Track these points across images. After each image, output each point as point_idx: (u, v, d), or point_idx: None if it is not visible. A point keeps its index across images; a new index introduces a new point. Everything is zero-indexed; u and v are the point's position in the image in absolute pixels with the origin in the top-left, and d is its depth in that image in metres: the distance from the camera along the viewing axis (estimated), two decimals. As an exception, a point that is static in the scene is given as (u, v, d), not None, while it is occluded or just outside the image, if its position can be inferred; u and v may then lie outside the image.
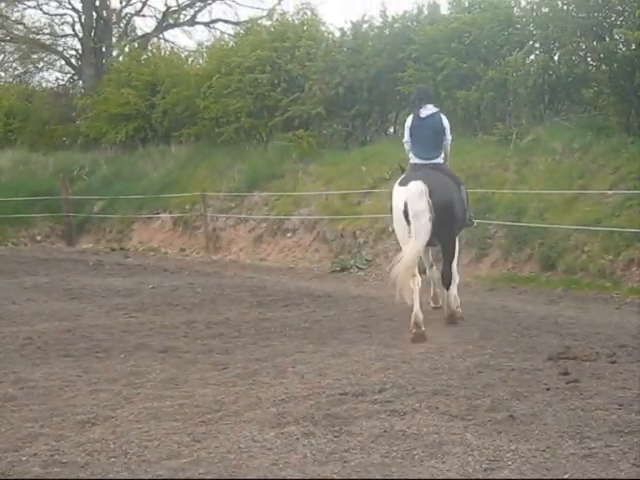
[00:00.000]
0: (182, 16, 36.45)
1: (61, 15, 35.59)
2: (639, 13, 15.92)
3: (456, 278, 11.31)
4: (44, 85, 36.56)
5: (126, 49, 32.07)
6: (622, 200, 14.68)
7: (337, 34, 23.75)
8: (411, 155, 11.46)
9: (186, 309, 13.08)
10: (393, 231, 12.11)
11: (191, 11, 36.28)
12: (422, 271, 11.88)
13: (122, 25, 36.11)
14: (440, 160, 11.39)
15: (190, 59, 29.98)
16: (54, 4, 35.40)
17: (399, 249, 11.82)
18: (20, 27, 35.60)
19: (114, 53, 33.54)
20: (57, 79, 36.95)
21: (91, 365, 9.20)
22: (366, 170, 19.68)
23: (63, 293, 15.08)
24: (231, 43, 27.46)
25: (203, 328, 11.31)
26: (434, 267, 11.84)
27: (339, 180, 20.28)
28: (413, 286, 10.27)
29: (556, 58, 18.29)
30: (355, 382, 7.93)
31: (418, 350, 9.30)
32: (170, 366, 9.02)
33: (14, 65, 37.35)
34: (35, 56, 36.37)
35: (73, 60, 35.62)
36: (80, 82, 34.62)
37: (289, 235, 20.34)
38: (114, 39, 34.76)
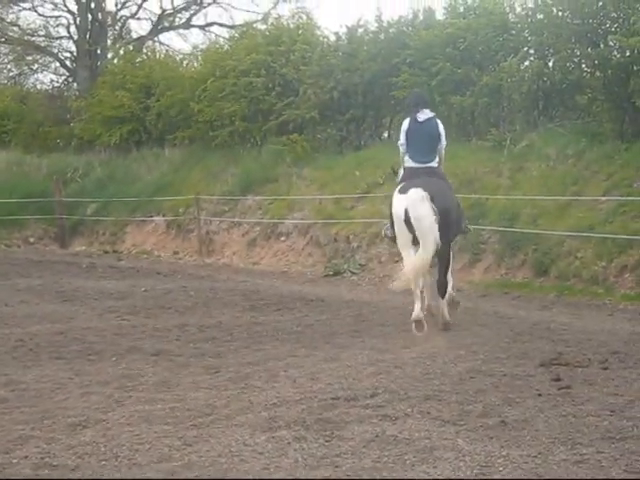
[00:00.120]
0: (177, 19, 36.52)
1: (56, 17, 35.62)
2: (634, 20, 15.95)
3: (450, 280, 11.38)
4: (39, 87, 36.58)
5: (121, 52, 32.03)
6: (615, 206, 14.70)
7: (332, 38, 23.79)
8: (406, 158, 11.54)
9: (179, 312, 13.06)
10: (388, 237, 12.26)
11: (186, 14, 36.35)
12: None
13: (117, 28, 36.13)
14: (435, 164, 11.50)
15: (185, 62, 29.98)
16: (49, 6, 35.42)
17: (393, 253, 11.94)
18: (15, 29, 35.57)
19: (109, 55, 33.52)
20: (52, 81, 36.98)
21: (83, 368, 9.17)
22: (360, 175, 19.69)
23: (56, 295, 15.05)
24: (226, 46, 27.48)
25: (195, 331, 11.29)
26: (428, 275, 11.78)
27: (333, 184, 20.28)
28: (417, 286, 10.76)
29: (550, 64, 18.34)
30: (347, 387, 7.92)
31: (410, 355, 9.30)
32: (162, 369, 9.00)
33: (9, 67, 37.32)
34: (30, 58, 36.34)
35: (68, 62, 35.64)
36: (75, 84, 34.63)
37: (282, 239, 20.33)
38: (109, 41, 34.78)
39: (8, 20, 35.64)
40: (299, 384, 8.12)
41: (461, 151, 17.97)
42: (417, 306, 10.81)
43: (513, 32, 19.08)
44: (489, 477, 5.61)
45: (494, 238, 15.93)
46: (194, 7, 36.01)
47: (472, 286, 15.03)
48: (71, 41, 35.22)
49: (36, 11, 35.45)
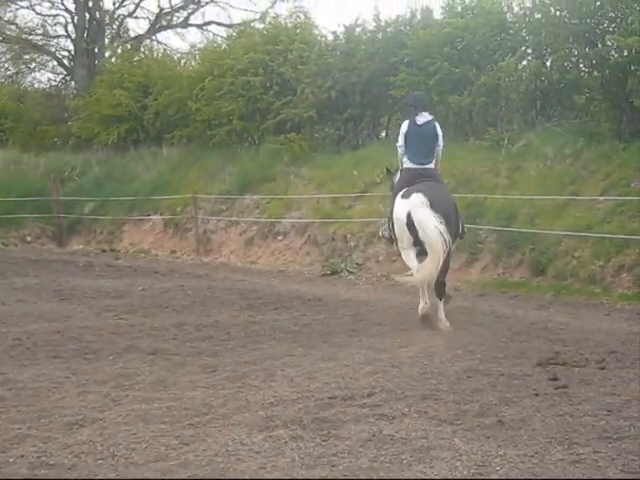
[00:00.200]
0: (175, 18, 36.47)
1: (54, 16, 35.55)
2: (631, 20, 15.95)
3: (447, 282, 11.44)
4: (36, 86, 36.52)
5: (119, 50, 31.99)
6: (613, 206, 14.72)
7: (330, 38, 23.79)
8: (405, 159, 11.78)
9: (176, 311, 13.05)
10: (385, 238, 12.56)
11: (184, 13, 36.30)
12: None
13: (115, 26, 36.09)
14: (432, 165, 11.77)
15: (183, 61, 29.94)
16: (47, 5, 35.36)
17: (390, 253, 12.00)
18: (12, 27, 35.53)
19: (106, 54, 33.49)
20: (49, 80, 36.94)
21: (80, 367, 9.16)
22: (358, 174, 19.70)
23: (53, 294, 15.04)
24: (224, 45, 27.47)
25: (193, 330, 11.28)
26: None
27: (330, 184, 20.28)
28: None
29: (548, 64, 18.33)
30: (344, 386, 7.91)
31: (407, 354, 9.29)
32: (159, 368, 8.99)
33: (6, 65, 37.27)
34: (27, 56, 36.28)
35: (65, 61, 35.59)
36: (72, 83, 34.58)
37: (280, 238, 20.33)
38: (107, 40, 34.73)
39: (5, 18, 35.63)
40: (296, 383, 8.11)
41: (459, 151, 17.98)
42: (422, 301, 11.09)
43: (511, 32, 19.09)
44: (486, 477, 5.60)
45: (491, 238, 15.94)
46: (192, 6, 35.98)
47: (469, 285, 15.05)
48: (69, 40, 35.18)
49: (34, 10, 35.44)
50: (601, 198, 15.10)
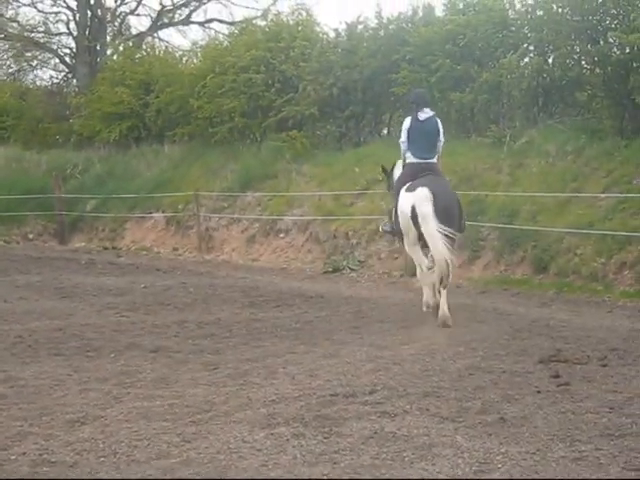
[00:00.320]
0: (177, 15, 36.43)
1: (56, 13, 35.55)
2: (633, 17, 15.94)
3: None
4: (38, 83, 36.49)
5: (120, 48, 31.97)
6: (615, 203, 14.71)
7: (332, 35, 23.79)
8: (408, 155, 12.05)
9: (178, 309, 13.05)
10: (386, 232, 12.83)
11: (186, 10, 36.27)
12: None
13: (117, 24, 36.07)
14: (434, 160, 12.04)
15: (184, 58, 29.91)
16: (49, 2, 35.35)
17: (392, 250, 12.10)
18: (14, 25, 35.51)
19: (108, 52, 33.46)
20: (51, 77, 36.89)
21: (81, 364, 9.16)
22: (359, 171, 19.68)
23: (55, 292, 15.03)
24: (225, 43, 27.44)
25: (194, 328, 11.29)
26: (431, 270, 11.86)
27: (332, 181, 20.27)
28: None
29: (550, 61, 18.33)
30: (346, 383, 7.91)
31: (409, 352, 9.29)
32: (161, 366, 9.00)
33: (8, 63, 37.25)
34: (29, 54, 36.26)
35: (67, 58, 35.57)
36: (74, 80, 34.55)
37: (282, 235, 20.32)
38: (108, 38, 34.71)
39: (7, 16, 35.62)
40: (298, 381, 8.11)
41: (460, 148, 17.98)
42: (427, 291, 11.71)
43: (513, 29, 19.08)
44: (488, 474, 5.60)
45: (493, 235, 15.93)
46: (194, 3, 35.96)
47: (471, 283, 15.04)
48: (70, 37, 35.18)
49: (35, 7, 35.44)
50: (603, 195, 15.09)
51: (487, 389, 7.58)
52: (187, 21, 36.34)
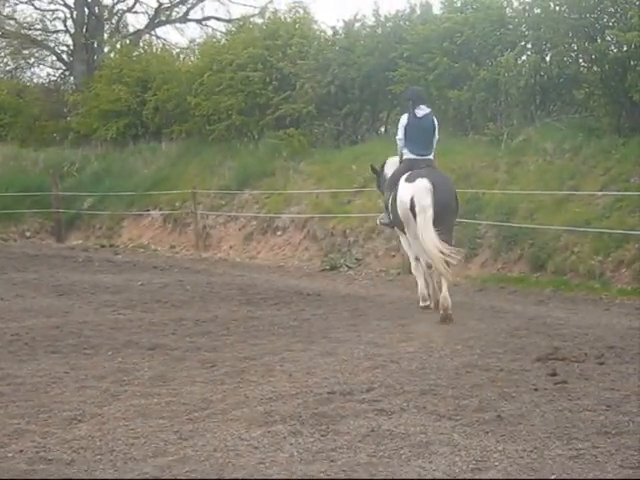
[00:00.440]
0: (174, 13, 36.51)
1: (53, 11, 35.61)
2: (631, 15, 15.94)
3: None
4: (35, 81, 36.56)
5: (118, 45, 31.99)
6: (612, 201, 14.71)
7: (329, 33, 23.81)
8: (405, 151, 12.23)
9: (175, 306, 13.04)
10: (384, 225, 13.15)
11: (183, 8, 36.37)
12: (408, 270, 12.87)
13: (114, 21, 36.12)
14: (431, 157, 12.26)
15: (182, 56, 29.95)
16: (46, 0, 35.36)
17: (389, 248, 12.17)
18: (11, 22, 35.54)
19: (106, 49, 33.48)
20: (48, 75, 36.96)
21: (79, 362, 9.15)
22: (357, 169, 19.67)
23: (52, 289, 15.03)
24: (223, 40, 27.45)
25: (192, 326, 11.28)
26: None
27: (330, 179, 20.27)
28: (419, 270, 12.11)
29: (548, 59, 18.32)
30: (343, 381, 7.92)
31: (406, 349, 9.29)
32: (158, 363, 8.99)
33: (5, 60, 37.24)
34: (26, 52, 36.27)
35: (64, 56, 35.61)
36: (71, 78, 34.59)
37: (279, 233, 20.32)
38: (106, 35, 34.77)
39: (4, 14, 35.63)
40: (295, 378, 8.11)
41: (458, 145, 18.00)
42: (421, 283, 12.15)
43: (510, 26, 19.06)
44: (485, 472, 5.60)
45: (491, 233, 15.93)
46: (191, 1, 36.02)
47: (469, 281, 15.04)
48: (68, 35, 35.23)
49: (33, 5, 35.48)
50: (600, 193, 15.09)
51: (484, 387, 7.58)
52: (184, 19, 36.38)
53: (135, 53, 29.87)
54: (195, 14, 36.41)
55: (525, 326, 10.62)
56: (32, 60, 36.96)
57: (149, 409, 7.17)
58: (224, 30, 31.74)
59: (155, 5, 35.70)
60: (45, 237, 25.59)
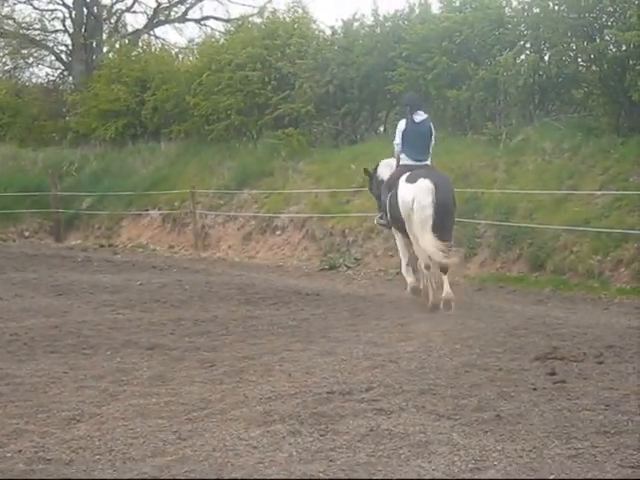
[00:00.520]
0: (173, 13, 36.50)
1: (51, 11, 35.58)
2: (630, 14, 15.94)
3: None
4: (34, 81, 36.52)
5: (116, 45, 32.01)
6: (611, 201, 14.71)
7: (328, 32, 23.82)
8: (403, 156, 12.38)
9: (174, 306, 13.04)
10: (382, 225, 13.42)
11: (182, 8, 36.37)
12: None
13: (113, 21, 36.09)
14: (429, 162, 12.44)
15: (180, 56, 29.97)
16: (44, 0, 35.35)
17: (388, 247, 12.21)
18: (10, 22, 35.50)
19: (104, 49, 33.50)
20: (47, 75, 36.93)
21: (77, 362, 9.15)
22: (356, 168, 19.63)
23: (51, 289, 15.02)
24: (222, 40, 27.44)
25: (191, 325, 11.27)
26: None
27: (329, 178, 20.27)
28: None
29: (546, 58, 18.33)
30: (342, 381, 7.91)
31: (405, 349, 9.29)
32: (157, 363, 8.99)
33: (4, 60, 37.22)
34: (25, 51, 36.24)
35: (63, 56, 35.58)
36: (70, 78, 34.57)
37: (278, 233, 20.32)
38: (104, 35, 34.77)
39: (3, 13, 35.61)
40: (294, 378, 8.10)
41: (457, 145, 18.00)
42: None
43: (509, 26, 19.06)
44: (484, 471, 5.60)
45: (490, 232, 15.93)
46: (190, 1, 36.01)
47: (468, 280, 15.02)
48: (66, 35, 35.21)
49: (31, 4, 35.46)
50: (599, 192, 15.09)
51: (483, 386, 7.58)
52: (183, 19, 36.37)
53: (134, 53, 29.86)
54: (194, 14, 36.47)
55: (524, 325, 10.61)
56: (31, 60, 36.95)
57: (148, 409, 7.17)
58: (223, 30, 31.80)
59: (154, 5, 35.75)
60: (44, 237, 25.59)
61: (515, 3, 19.41)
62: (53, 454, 6.14)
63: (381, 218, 13.17)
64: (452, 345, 9.42)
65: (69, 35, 34.73)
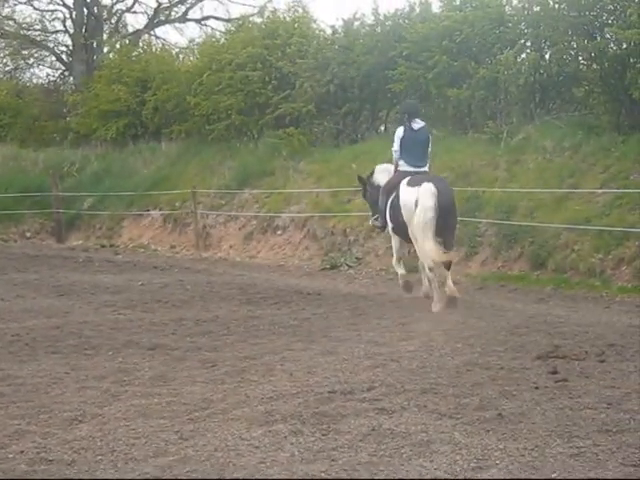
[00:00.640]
0: (173, 13, 36.51)
1: (52, 11, 35.60)
2: (630, 12, 15.93)
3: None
4: (35, 81, 36.57)
5: (117, 45, 32.01)
6: (612, 199, 14.71)
7: (328, 32, 23.85)
8: (401, 163, 12.59)
9: (175, 306, 13.03)
10: (378, 227, 13.63)
11: (182, 8, 36.38)
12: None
13: (113, 21, 36.10)
14: (427, 169, 12.64)
15: (181, 56, 29.98)
16: (45, 0, 35.38)
17: (390, 247, 12.25)
18: (11, 23, 35.54)
19: (105, 49, 33.51)
20: (48, 75, 36.97)
21: (79, 362, 9.15)
22: (357, 168, 19.63)
23: (52, 290, 15.02)
24: (222, 40, 27.45)
25: (192, 325, 11.27)
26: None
27: (329, 178, 20.27)
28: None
29: (547, 57, 18.33)
30: (344, 380, 7.91)
31: (407, 348, 9.28)
32: (158, 363, 8.98)
33: (5, 61, 37.25)
34: (26, 52, 36.27)
35: (64, 56, 35.60)
36: (71, 78, 34.60)
37: (279, 233, 20.32)
38: (105, 35, 34.78)
39: (4, 14, 35.64)
40: (296, 378, 8.10)
41: (457, 144, 18.00)
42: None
43: (510, 25, 19.05)
44: (486, 470, 5.59)
45: (491, 231, 15.93)
46: (190, 1, 36.02)
47: (469, 279, 15.03)
48: (67, 35, 35.22)
49: (32, 5, 35.50)
50: (600, 191, 15.09)
51: (485, 385, 7.57)
52: (184, 18, 36.38)
53: (134, 53, 29.88)
54: (194, 14, 36.49)
55: (525, 324, 10.61)
56: (31, 60, 36.99)
57: (150, 409, 7.17)
58: (223, 30, 31.82)
59: (154, 5, 35.76)
60: (45, 237, 25.61)
61: (515, 1, 19.45)
62: (55, 455, 6.13)
63: (376, 219, 13.33)
64: (453, 344, 9.42)
65: (70, 36, 34.74)
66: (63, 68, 35.86)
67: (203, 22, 36.09)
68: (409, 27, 20.71)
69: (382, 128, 23.36)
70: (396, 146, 12.60)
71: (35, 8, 35.51)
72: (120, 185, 25.00)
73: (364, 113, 23.07)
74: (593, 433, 6.21)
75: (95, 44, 33.36)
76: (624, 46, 16.36)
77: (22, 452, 6.20)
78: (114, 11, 35.99)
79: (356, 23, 22.60)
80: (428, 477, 5.53)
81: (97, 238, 24.67)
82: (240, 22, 28.55)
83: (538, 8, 18.29)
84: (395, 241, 12.99)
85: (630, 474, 5.47)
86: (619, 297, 12.92)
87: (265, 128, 23.55)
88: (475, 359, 8.64)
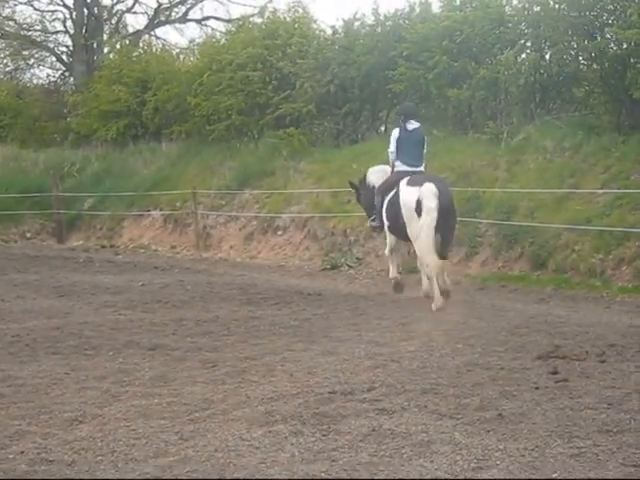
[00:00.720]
0: (174, 13, 36.51)
1: (52, 12, 35.60)
2: (630, 12, 15.92)
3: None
4: (35, 82, 36.57)
5: (117, 46, 32.00)
6: (612, 199, 14.71)
7: (329, 32, 23.84)
8: (397, 163, 12.84)
9: (176, 307, 13.03)
10: (376, 228, 13.61)
11: (183, 8, 36.37)
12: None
13: (113, 22, 36.11)
14: (422, 168, 12.85)
15: (181, 56, 29.99)
16: (45, 0, 35.49)
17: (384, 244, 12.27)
18: (11, 23, 35.54)
19: (105, 50, 33.49)
20: (48, 76, 36.98)
21: (79, 363, 9.15)
22: (357, 168, 19.61)
23: (52, 290, 15.02)
24: (222, 40, 27.47)
25: (192, 326, 11.27)
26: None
27: (330, 178, 20.26)
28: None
29: (547, 57, 18.33)
30: (344, 381, 7.91)
31: (407, 348, 9.29)
32: (159, 364, 8.98)
33: (5, 61, 37.25)
34: (26, 52, 36.26)
35: (64, 57, 35.61)
36: (71, 79, 34.61)
37: (280, 233, 20.32)
38: (105, 36, 34.77)
39: (4, 15, 35.66)
40: (296, 378, 8.10)
41: (458, 144, 18.00)
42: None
43: (510, 25, 19.05)
44: (486, 470, 5.59)
45: (491, 231, 15.93)
46: (190, 1, 36.02)
47: (469, 279, 15.03)
48: (67, 35, 35.22)
49: (32, 6, 35.50)
50: (600, 191, 15.09)
51: (485, 386, 7.57)
52: (184, 19, 36.39)
53: (135, 53, 29.87)
54: (194, 14, 36.48)
55: (526, 324, 10.62)
56: (32, 61, 36.97)
57: (150, 409, 7.17)
58: (223, 30, 31.82)
59: (154, 5, 35.76)
60: (46, 238, 25.60)
61: (515, 2, 19.48)
62: (55, 455, 6.13)
63: (373, 221, 13.43)
64: (454, 344, 9.42)
65: (70, 36, 34.75)
66: (63, 69, 35.88)
67: (203, 22, 36.11)
68: (409, 27, 20.72)
69: (382, 128, 23.36)
70: (392, 147, 12.89)
71: (35, 9, 35.57)
72: (120, 185, 25.00)
73: (364, 113, 23.08)
74: (593, 433, 6.21)
75: (95, 44, 33.35)
76: (624, 46, 16.35)
77: (22, 452, 6.21)
78: (114, 11, 36.01)
79: (356, 23, 22.61)
80: (428, 477, 5.53)
81: (97, 238, 24.68)
82: (240, 22, 28.56)
83: (538, 8, 18.29)
84: (390, 239, 13.09)
85: (630, 474, 5.47)
86: (619, 297, 12.92)
87: (265, 128, 23.56)
88: (475, 359, 8.65)
